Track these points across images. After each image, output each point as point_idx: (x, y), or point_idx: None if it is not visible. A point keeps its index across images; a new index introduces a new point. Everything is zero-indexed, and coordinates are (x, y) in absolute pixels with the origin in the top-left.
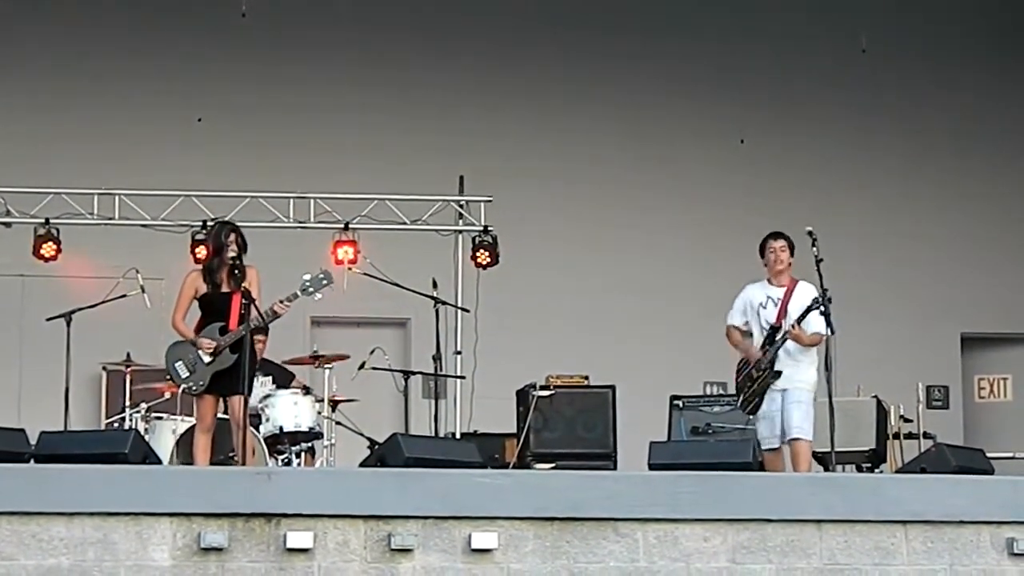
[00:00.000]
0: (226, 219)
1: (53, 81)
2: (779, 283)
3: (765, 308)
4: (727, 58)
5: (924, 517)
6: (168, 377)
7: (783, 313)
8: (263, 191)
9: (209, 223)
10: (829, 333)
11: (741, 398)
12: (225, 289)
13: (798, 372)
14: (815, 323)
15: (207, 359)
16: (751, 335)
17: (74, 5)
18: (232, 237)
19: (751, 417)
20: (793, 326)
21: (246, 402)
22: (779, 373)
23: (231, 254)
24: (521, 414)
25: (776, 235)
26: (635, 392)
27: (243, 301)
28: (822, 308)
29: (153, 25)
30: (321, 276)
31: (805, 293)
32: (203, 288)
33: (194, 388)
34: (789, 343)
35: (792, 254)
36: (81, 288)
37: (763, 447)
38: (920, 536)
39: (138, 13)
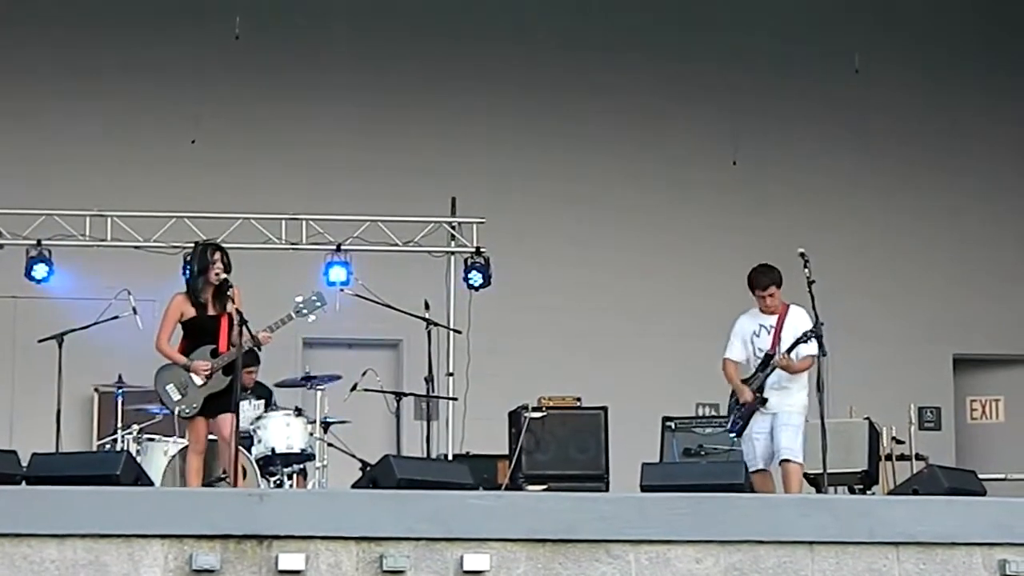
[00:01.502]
0: (211, 240)
1: (45, 103)
2: (771, 313)
3: (758, 336)
4: (719, 79)
5: (916, 539)
6: (160, 401)
7: (777, 340)
8: (255, 213)
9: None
10: (821, 356)
11: (730, 419)
12: (212, 312)
13: (788, 396)
14: (806, 347)
15: (200, 382)
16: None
17: (67, 28)
18: (217, 256)
19: (734, 438)
20: (783, 356)
21: (237, 421)
22: (765, 400)
23: (218, 274)
24: (513, 435)
25: (762, 281)
26: (627, 413)
27: (237, 322)
28: (814, 336)
29: (146, 48)
30: (314, 298)
31: (798, 317)
32: (190, 311)
33: (186, 411)
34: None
35: (780, 286)
36: (73, 309)
37: (749, 468)
38: (912, 558)
39: (132, 35)
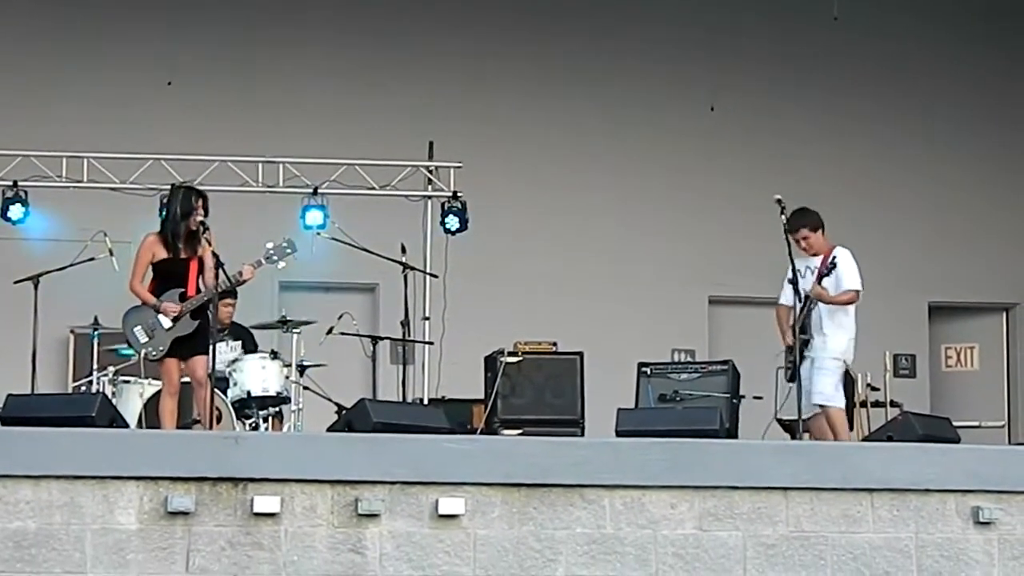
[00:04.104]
0: (191, 183)
1: (21, 43)
2: (813, 255)
3: (803, 277)
4: (698, 26)
5: (890, 485)
6: (127, 343)
7: (819, 281)
8: (232, 155)
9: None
10: (797, 301)
11: (785, 362)
12: (183, 255)
13: (825, 340)
14: (845, 280)
15: (167, 324)
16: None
17: None
18: (200, 203)
19: (791, 384)
20: (814, 285)
21: (213, 363)
22: (807, 341)
23: (199, 218)
24: (489, 380)
25: (792, 224)
26: (603, 359)
27: (213, 264)
28: (833, 268)
29: None
30: (285, 244)
31: (838, 257)
32: (161, 253)
33: (153, 353)
34: (822, 309)
35: (816, 229)
36: (49, 251)
37: (803, 416)
38: (886, 504)
39: None
